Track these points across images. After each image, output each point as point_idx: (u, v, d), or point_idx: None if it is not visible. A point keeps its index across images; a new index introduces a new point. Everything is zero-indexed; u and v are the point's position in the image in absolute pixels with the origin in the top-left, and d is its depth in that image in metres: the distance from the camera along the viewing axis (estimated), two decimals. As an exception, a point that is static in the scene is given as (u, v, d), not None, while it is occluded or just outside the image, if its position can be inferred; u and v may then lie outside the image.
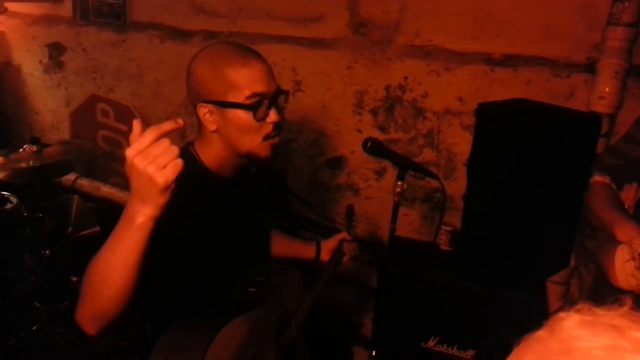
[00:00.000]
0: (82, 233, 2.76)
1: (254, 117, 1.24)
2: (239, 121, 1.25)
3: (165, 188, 0.91)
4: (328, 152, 2.73)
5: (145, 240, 0.95)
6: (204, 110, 1.27)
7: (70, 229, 2.76)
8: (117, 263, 0.95)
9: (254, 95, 1.23)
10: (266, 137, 1.28)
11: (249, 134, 1.26)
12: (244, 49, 1.29)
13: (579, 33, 2.07)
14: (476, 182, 1.94)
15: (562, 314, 0.51)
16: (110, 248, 0.96)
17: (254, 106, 1.23)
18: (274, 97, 1.27)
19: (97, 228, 2.76)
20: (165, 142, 0.91)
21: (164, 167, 0.90)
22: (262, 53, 1.31)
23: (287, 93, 1.32)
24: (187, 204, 1.19)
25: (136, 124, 0.92)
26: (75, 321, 1.01)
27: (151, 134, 0.90)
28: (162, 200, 0.93)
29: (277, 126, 1.29)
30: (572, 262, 2.08)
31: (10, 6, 3.48)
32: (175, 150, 0.92)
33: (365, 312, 2.61)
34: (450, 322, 1.86)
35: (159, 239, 0.98)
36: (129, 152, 0.90)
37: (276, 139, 1.31)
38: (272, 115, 1.26)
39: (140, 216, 0.93)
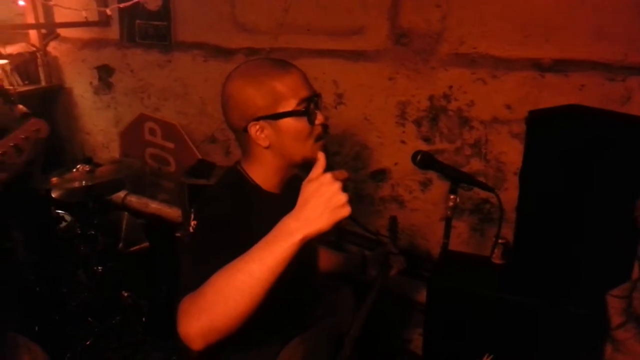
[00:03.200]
0: (132, 249, 2.83)
1: (309, 121, 1.26)
2: (294, 129, 1.26)
3: (346, 215, 0.97)
4: (371, 164, 2.70)
5: (293, 256, 0.98)
6: (255, 128, 1.27)
7: (121, 244, 2.83)
8: (263, 274, 0.96)
9: (302, 101, 1.25)
10: (317, 139, 1.30)
11: (304, 139, 1.28)
12: (277, 60, 1.32)
13: (634, 33, 1.97)
14: (529, 193, 1.87)
15: None
16: (258, 259, 0.97)
17: (306, 111, 1.26)
18: (315, 100, 1.29)
19: (147, 244, 2.83)
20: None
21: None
22: (303, 67, 1.33)
23: (321, 95, 1.33)
24: (245, 226, 1.21)
25: (322, 157, 1.02)
26: (181, 335, 0.99)
27: (346, 174, 1.01)
28: (328, 227, 0.97)
29: (325, 127, 1.31)
30: (635, 275, 1.97)
31: (62, 32, 3.65)
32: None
33: (414, 328, 2.55)
34: (505, 339, 1.78)
35: (220, 262, 1.00)
36: (331, 175, 0.97)
37: (325, 140, 1.33)
38: (320, 117, 1.29)
39: (300, 234, 0.96)
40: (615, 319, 1.96)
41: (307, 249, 1.54)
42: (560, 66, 2.14)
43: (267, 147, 1.29)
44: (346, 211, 0.96)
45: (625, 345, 1.94)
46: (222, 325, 0.97)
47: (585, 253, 1.73)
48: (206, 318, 0.97)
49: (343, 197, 0.96)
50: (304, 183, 1.00)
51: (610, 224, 1.71)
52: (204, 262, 1.09)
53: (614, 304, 1.96)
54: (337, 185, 0.96)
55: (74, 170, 2.53)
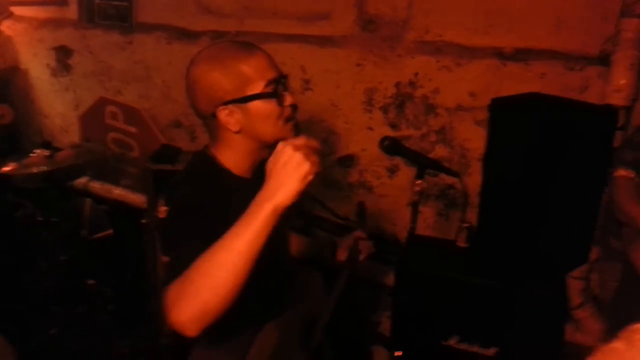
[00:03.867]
0: (96, 236, 2.76)
1: (277, 102, 1.25)
2: (263, 111, 1.25)
3: (311, 177, 1.00)
4: (339, 150, 2.72)
5: (270, 228, 1.00)
6: (224, 113, 1.25)
7: (83, 232, 2.76)
8: (244, 248, 0.99)
9: (269, 82, 1.24)
10: (288, 120, 1.29)
11: (274, 121, 1.27)
12: (241, 42, 1.30)
13: (592, 25, 2.05)
14: (492, 178, 1.93)
15: (638, 326, 0.50)
16: (236, 235, 1.00)
17: (274, 93, 1.25)
18: (282, 81, 1.28)
19: (110, 230, 2.77)
20: (316, 142, 1.06)
21: (317, 163, 1.02)
22: (269, 52, 1.32)
23: (287, 76, 1.33)
24: (218, 210, 1.20)
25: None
26: (175, 324, 0.99)
27: (314, 142, 1.06)
28: (295, 189, 0.99)
29: (295, 108, 1.31)
30: (593, 257, 2.06)
31: (17, 10, 3.49)
32: (319, 150, 1.06)
33: (382, 311, 2.61)
34: (471, 320, 1.85)
35: (198, 246, 1.01)
36: (282, 143, 1.03)
37: (295, 120, 1.33)
38: (289, 98, 1.28)
39: (270, 204, 1.00)
40: (575, 299, 2.06)
41: (280, 234, 1.56)
42: (522, 55, 2.20)
43: (237, 132, 1.27)
44: (306, 166, 0.99)
45: (584, 323, 2.05)
46: (213, 306, 0.99)
47: (547, 236, 1.80)
48: (197, 302, 0.98)
49: (298, 155, 0.99)
50: (269, 157, 1.05)
51: (570, 208, 1.78)
52: (181, 249, 1.09)
53: (574, 285, 2.06)
54: (289, 147, 1.00)
55: (32, 154, 2.45)
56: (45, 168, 2.36)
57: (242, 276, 1.00)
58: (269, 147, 1.33)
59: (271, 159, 1.03)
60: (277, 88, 1.25)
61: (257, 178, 1.37)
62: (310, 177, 1.00)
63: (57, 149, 2.57)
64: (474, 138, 2.36)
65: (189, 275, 1.00)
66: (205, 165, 1.33)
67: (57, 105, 3.62)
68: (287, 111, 1.28)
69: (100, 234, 2.75)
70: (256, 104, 1.24)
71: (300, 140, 1.03)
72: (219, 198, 1.25)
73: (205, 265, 1.00)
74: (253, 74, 1.23)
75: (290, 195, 1.00)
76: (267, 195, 1.01)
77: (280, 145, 1.03)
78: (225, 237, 1.01)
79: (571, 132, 1.76)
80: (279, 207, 1.00)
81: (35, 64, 3.59)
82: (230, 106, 1.24)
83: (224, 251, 1.00)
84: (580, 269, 1.90)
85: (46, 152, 2.44)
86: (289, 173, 1.00)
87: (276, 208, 0.99)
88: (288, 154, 1.00)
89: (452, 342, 1.86)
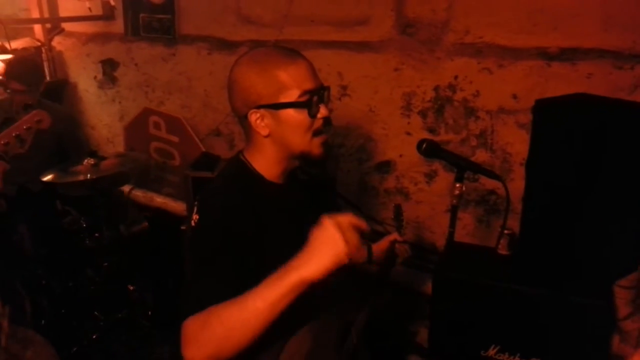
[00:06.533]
0: (137, 243, 2.83)
1: (309, 114, 1.24)
2: (293, 121, 1.24)
3: (344, 260, 1.01)
4: (376, 156, 2.68)
5: (294, 296, 1.03)
6: (255, 116, 1.25)
7: (125, 239, 2.83)
8: (267, 310, 1.03)
9: (305, 92, 1.23)
10: (316, 133, 1.28)
11: (303, 132, 1.26)
12: (286, 49, 1.30)
13: (643, 21, 1.94)
14: (535, 183, 1.85)
15: None
16: (261, 297, 1.03)
17: (307, 103, 1.23)
18: (320, 93, 1.27)
19: (152, 237, 2.83)
20: (363, 223, 1.07)
21: (357, 247, 1.03)
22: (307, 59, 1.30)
23: (329, 88, 1.31)
24: (249, 215, 1.21)
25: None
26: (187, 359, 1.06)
27: (362, 222, 1.07)
28: (323, 269, 1.01)
29: (327, 121, 1.29)
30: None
31: (67, 26, 3.65)
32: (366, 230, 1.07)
33: (419, 320, 2.54)
34: (512, 330, 1.77)
35: (222, 278, 1.09)
36: (333, 221, 1.02)
37: (325, 135, 1.30)
38: (323, 111, 1.26)
39: (296, 274, 1.02)
40: (623, 309, 1.94)
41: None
42: (568, 55, 2.11)
43: (266, 136, 1.27)
44: (342, 248, 1.00)
45: (633, 336, 1.93)
46: (228, 353, 1.05)
47: (592, 243, 1.71)
48: (213, 349, 1.05)
49: (337, 236, 1.00)
50: (315, 227, 1.05)
51: (617, 214, 1.69)
52: (205, 278, 1.14)
53: (622, 294, 1.94)
54: (332, 226, 1.01)
55: (80, 164, 2.53)
56: (90, 176, 2.44)
57: (259, 332, 1.04)
58: (298, 157, 1.32)
59: (315, 230, 1.04)
60: (311, 99, 1.24)
61: (288, 185, 1.37)
62: (345, 260, 1.01)
63: (103, 158, 2.65)
64: (516, 142, 2.27)
65: (209, 320, 1.05)
66: (238, 171, 1.34)
67: (104, 116, 3.75)
68: (318, 124, 1.27)
69: (141, 241, 2.82)
70: (287, 112, 1.24)
71: (345, 219, 1.04)
72: (250, 206, 1.25)
73: (225, 316, 1.04)
74: (289, 82, 1.23)
75: (319, 272, 1.01)
76: (297, 264, 1.03)
77: (325, 220, 1.03)
78: (252, 294, 1.04)
79: (619, 134, 1.67)
80: (306, 279, 1.01)
81: (84, 77, 3.74)
82: (262, 110, 1.25)
83: (245, 309, 1.03)
84: (629, 277, 1.79)
85: (92, 161, 2.53)
86: (324, 251, 1.01)
87: (303, 280, 1.01)
88: (329, 232, 1.01)
89: (492, 352, 1.78)
